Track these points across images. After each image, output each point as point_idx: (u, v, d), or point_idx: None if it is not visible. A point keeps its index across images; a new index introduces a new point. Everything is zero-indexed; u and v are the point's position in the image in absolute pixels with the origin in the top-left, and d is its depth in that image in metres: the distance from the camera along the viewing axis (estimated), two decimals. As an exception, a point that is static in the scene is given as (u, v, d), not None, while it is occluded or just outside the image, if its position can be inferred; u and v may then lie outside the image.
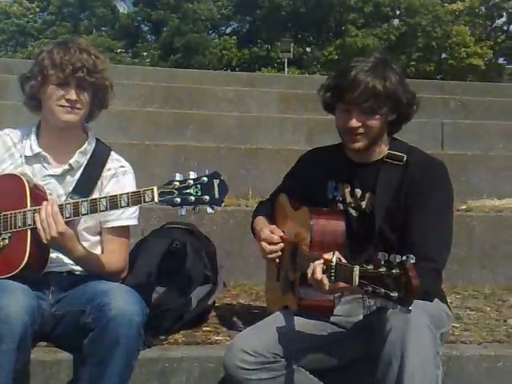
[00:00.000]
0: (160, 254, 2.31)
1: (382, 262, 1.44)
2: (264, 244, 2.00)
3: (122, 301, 1.79)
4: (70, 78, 1.97)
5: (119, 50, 32.93)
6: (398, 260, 1.42)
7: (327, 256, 1.66)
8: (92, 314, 1.81)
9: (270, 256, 2.00)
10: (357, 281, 1.49)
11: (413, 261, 1.41)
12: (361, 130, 1.88)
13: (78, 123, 2.06)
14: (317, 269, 1.66)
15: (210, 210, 1.79)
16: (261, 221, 2.14)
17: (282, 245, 1.99)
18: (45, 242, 1.86)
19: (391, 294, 1.41)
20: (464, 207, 3.60)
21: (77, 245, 1.93)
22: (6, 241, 1.92)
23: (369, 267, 1.47)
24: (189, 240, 2.39)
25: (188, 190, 1.77)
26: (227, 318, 2.44)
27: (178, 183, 1.78)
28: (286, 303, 1.99)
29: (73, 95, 1.98)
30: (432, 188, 1.87)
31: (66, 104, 1.98)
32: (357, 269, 1.50)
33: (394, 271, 1.41)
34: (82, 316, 1.85)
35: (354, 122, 1.86)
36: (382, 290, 1.42)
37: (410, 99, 1.91)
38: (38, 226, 1.84)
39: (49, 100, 2.00)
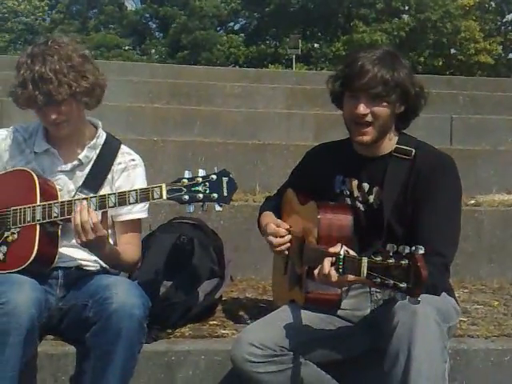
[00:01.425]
0: (167, 248, 2.33)
1: (391, 253, 1.44)
2: (271, 238, 2.00)
3: (124, 294, 1.80)
4: (46, 99, 1.91)
5: (127, 47, 32.99)
6: (406, 251, 1.41)
7: (334, 249, 1.66)
8: (94, 308, 1.83)
9: (278, 249, 2.00)
10: (365, 272, 1.49)
11: (422, 251, 1.40)
12: (368, 118, 1.87)
13: (74, 130, 2.04)
14: (325, 263, 1.66)
15: (218, 208, 1.80)
16: (267, 216, 2.15)
17: (289, 236, 1.99)
18: (78, 243, 1.87)
19: (400, 285, 1.40)
20: (473, 202, 3.58)
21: (106, 243, 1.93)
22: (15, 235, 1.94)
23: (377, 258, 1.47)
24: (196, 235, 2.41)
25: (196, 188, 1.78)
26: (234, 312, 2.45)
27: (186, 180, 1.79)
28: (293, 297, 1.99)
29: (49, 116, 1.94)
30: (441, 183, 1.86)
31: (53, 122, 1.96)
32: (365, 260, 1.50)
33: (402, 262, 1.41)
34: (84, 310, 1.86)
35: (362, 109, 1.85)
36: (391, 281, 1.42)
37: (418, 92, 1.91)
38: (78, 229, 1.82)
39: (38, 117, 2.01)
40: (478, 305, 2.69)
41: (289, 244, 1.99)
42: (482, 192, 3.82)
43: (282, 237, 1.99)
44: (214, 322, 2.33)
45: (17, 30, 33.28)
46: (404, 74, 1.87)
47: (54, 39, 1.99)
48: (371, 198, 1.96)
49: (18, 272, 1.87)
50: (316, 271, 1.70)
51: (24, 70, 1.92)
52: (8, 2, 33.00)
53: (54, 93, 1.90)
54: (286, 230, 2.00)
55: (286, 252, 2.02)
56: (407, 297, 1.41)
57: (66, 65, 1.92)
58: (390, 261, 1.43)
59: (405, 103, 1.90)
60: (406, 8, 30.90)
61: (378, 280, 1.45)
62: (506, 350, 2.20)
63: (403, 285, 1.40)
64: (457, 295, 2.06)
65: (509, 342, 2.24)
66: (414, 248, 1.41)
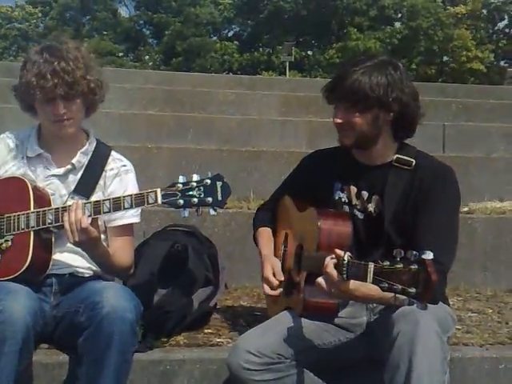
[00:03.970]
0: (161, 256, 2.32)
1: (398, 259, 1.43)
2: (264, 284, 2.04)
3: (114, 298, 1.79)
4: (51, 94, 1.93)
5: (121, 54, 33.01)
6: (415, 256, 1.41)
7: (339, 252, 1.65)
8: (85, 313, 1.82)
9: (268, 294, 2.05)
10: (371, 277, 1.48)
11: (431, 256, 1.40)
12: (345, 127, 1.90)
13: (76, 131, 2.05)
14: (329, 264, 1.66)
15: (212, 212, 1.80)
16: (264, 238, 2.16)
17: (279, 290, 2.02)
18: (71, 242, 1.87)
19: (409, 290, 1.40)
20: (466, 209, 3.60)
21: (99, 243, 1.94)
22: (9, 243, 1.93)
23: (384, 263, 1.46)
24: (190, 242, 2.40)
25: (191, 192, 1.79)
26: (229, 321, 2.44)
27: (181, 185, 1.79)
28: (290, 305, 1.99)
29: (59, 109, 1.95)
30: (441, 193, 1.87)
31: (57, 118, 1.97)
32: (371, 265, 1.49)
33: (412, 267, 1.40)
34: (76, 316, 1.86)
35: (337, 119, 1.91)
36: (399, 286, 1.41)
37: (405, 99, 1.88)
38: (66, 227, 1.85)
39: (40, 114, 2.01)
40: (472, 313, 2.69)
41: (278, 293, 2.02)
42: (474, 199, 3.83)
43: (274, 289, 2.02)
44: (209, 331, 2.32)
45: (10, 37, 33.24)
46: (384, 81, 1.85)
47: (64, 40, 2.05)
48: (370, 207, 1.97)
49: (13, 279, 1.86)
50: (321, 277, 1.69)
51: (40, 64, 1.93)
52: (2, 8, 32.97)
53: (74, 86, 1.94)
54: (280, 282, 2.02)
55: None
56: (415, 302, 1.41)
57: (84, 62, 1.99)
58: (399, 266, 1.43)
59: (388, 111, 1.89)
60: (399, 16, 31.11)
61: (385, 285, 1.44)
62: (500, 358, 2.20)
63: (412, 290, 1.39)
64: (451, 303, 2.06)
65: (503, 350, 2.25)
66: (422, 253, 1.41)
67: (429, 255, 1.40)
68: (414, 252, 1.42)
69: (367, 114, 1.88)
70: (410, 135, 1.99)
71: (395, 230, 1.91)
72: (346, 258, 1.61)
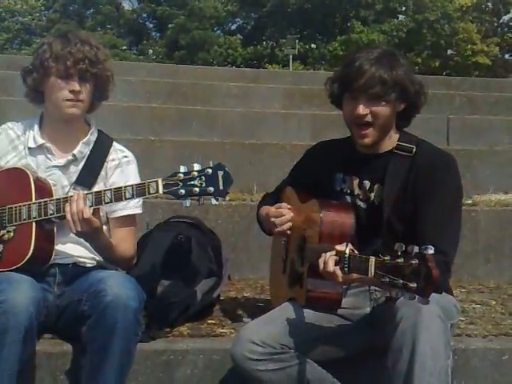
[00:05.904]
0: (165, 247, 2.32)
1: (399, 253, 1.43)
2: (273, 219, 1.99)
3: (118, 287, 1.80)
4: (72, 70, 1.98)
5: (124, 47, 32.94)
6: (416, 250, 1.40)
7: (340, 247, 1.65)
8: (88, 302, 1.83)
9: (282, 228, 1.98)
10: (373, 271, 1.49)
11: (431, 251, 1.39)
12: (368, 119, 1.87)
13: (81, 115, 2.08)
14: (329, 261, 1.66)
15: (214, 202, 1.79)
16: (266, 208, 2.14)
17: (291, 214, 1.98)
18: (73, 232, 1.88)
19: (410, 285, 1.40)
20: (470, 202, 3.59)
21: (101, 233, 1.95)
22: (11, 233, 1.94)
23: (385, 258, 1.46)
24: (194, 234, 2.41)
25: (192, 182, 1.78)
26: (232, 311, 2.45)
27: (182, 175, 1.79)
28: (293, 296, 1.99)
29: (76, 86, 1.99)
30: (441, 180, 1.86)
31: (70, 96, 1.99)
32: (373, 259, 1.49)
33: (412, 262, 1.40)
34: (79, 304, 1.86)
35: (362, 109, 1.85)
36: (400, 281, 1.41)
37: (417, 89, 1.91)
38: (68, 217, 1.85)
39: (52, 93, 2.01)
40: (476, 304, 2.69)
41: (291, 223, 1.98)
42: (478, 192, 3.83)
43: (285, 215, 1.97)
44: (212, 321, 2.33)
45: (13, 30, 33.21)
46: (402, 72, 1.87)
47: (79, 32, 2.11)
48: (372, 196, 1.96)
49: (15, 270, 1.87)
50: (321, 265, 1.69)
51: (65, 42, 1.99)
52: (4, 1, 32.92)
53: (96, 65, 2.00)
54: (288, 209, 1.99)
55: (289, 232, 2.00)
56: (416, 297, 1.40)
57: (97, 49, 2.04)
58: (400, 260, 1.42)
59: (404, 101, 1.91)
60: (404, 9, 30.94)
61: (387, 279, 1.44)
62: (503, 349, 2.20)
63: (413, 284, 1.39)
64: (455, 295, 2.06)
65: (507, 341, 2.24)
66: (423, 247, 1.40)
67: (430, 250, 1.39)
68: (416, 247, 1.41)
69: (390, 103, 1.87)
70: (409, 124, 1.99)
71: (396, 217, 1.90)
72: (347, 252, 1.61)
